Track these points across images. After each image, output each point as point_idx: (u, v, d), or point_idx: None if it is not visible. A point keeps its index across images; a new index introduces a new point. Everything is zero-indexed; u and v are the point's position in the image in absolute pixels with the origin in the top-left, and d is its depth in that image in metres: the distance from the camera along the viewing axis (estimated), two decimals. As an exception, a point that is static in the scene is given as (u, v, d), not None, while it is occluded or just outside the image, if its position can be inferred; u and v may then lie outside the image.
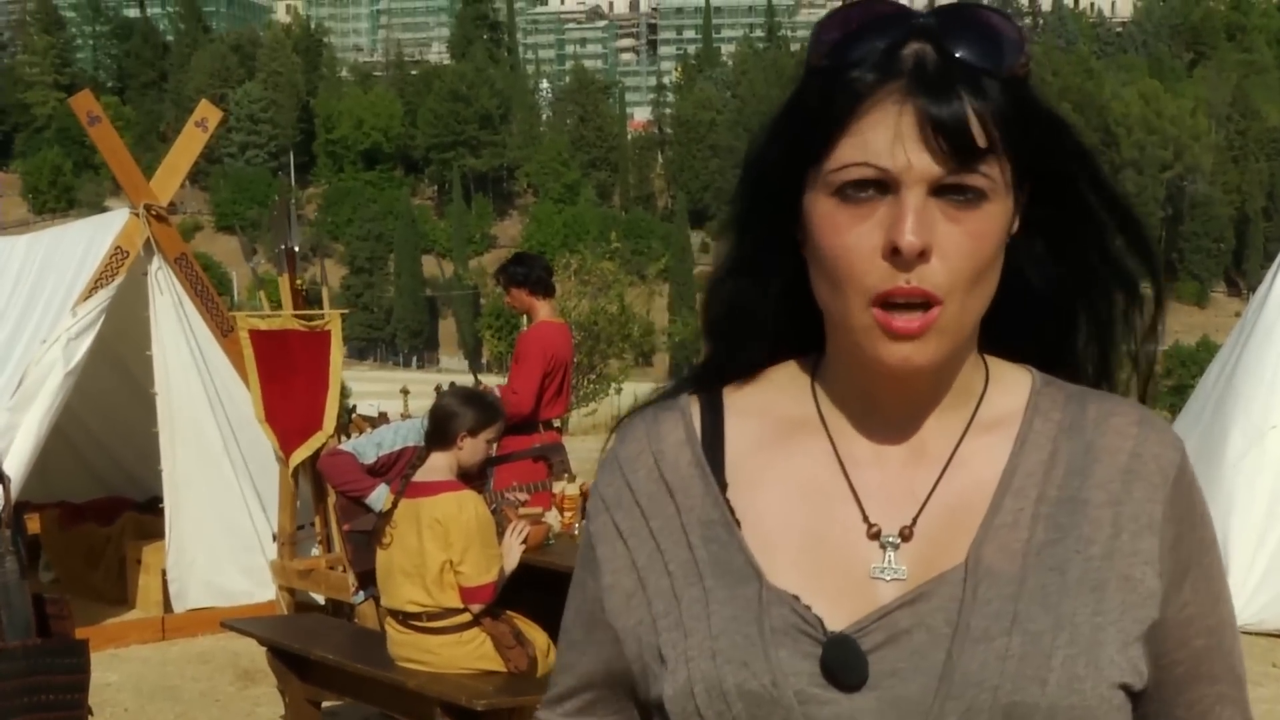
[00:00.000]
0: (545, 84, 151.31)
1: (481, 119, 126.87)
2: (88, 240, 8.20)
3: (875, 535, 1.10)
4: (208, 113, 8.49)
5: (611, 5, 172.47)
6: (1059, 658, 1.04)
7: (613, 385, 22.22)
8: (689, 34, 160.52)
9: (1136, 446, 1.12)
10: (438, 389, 8.19)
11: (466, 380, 7.79)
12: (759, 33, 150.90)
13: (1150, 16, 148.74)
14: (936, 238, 1.03)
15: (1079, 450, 1.12)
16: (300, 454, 7.43)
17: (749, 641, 1.06)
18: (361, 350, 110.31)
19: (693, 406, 1.20)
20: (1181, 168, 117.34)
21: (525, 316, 7.41)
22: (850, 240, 1.05)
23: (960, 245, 1.04)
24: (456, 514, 4.71)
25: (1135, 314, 1.19)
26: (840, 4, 1.11)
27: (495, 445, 5.26)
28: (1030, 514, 1.09)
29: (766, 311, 1.19)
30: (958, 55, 1.05)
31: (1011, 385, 1.17)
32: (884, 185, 1.04)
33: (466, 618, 4.78)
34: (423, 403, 8.43)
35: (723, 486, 1.15)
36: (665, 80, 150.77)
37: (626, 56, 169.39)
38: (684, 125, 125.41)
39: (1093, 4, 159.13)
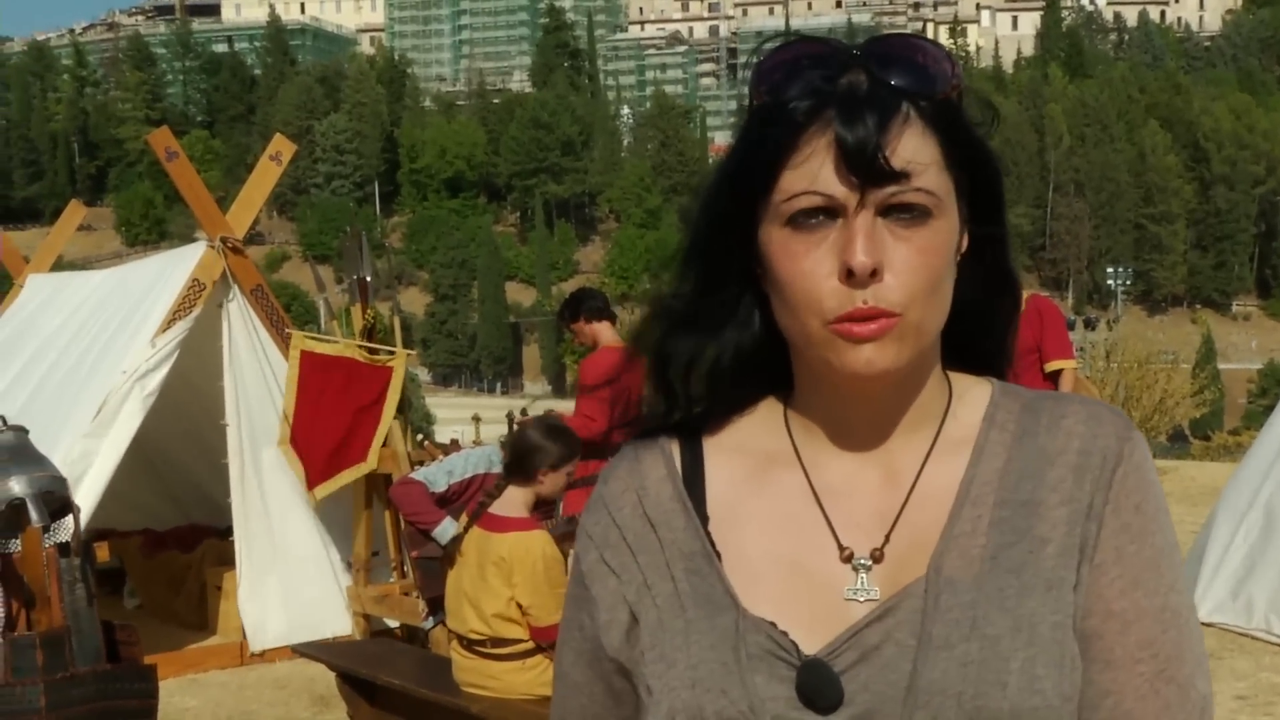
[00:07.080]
0: (626, 110, 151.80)
1: (563, 146, 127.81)
2: (165, 273, 8.34)
3: (848, 559, 1.12)
4: (281, 146, 8.65)
5: (691, 31, 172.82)
6: (1018, 660, 1.05)
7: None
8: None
9: (1084, 444, 1.13)
10: (508, 416, 8.26)
11: (556, 405, 7.78)
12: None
13: (1239, 30, 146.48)
14: (887, 256, 1.06)
15: (1032, 455, 1.14)
16: (329, 486, 7.46)
17: (726, 669, 1.08)
18: (446, 377, 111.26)
19: (672, 445, 1.23)
20: (1275, 183, 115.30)
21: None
22: (806, 266, 1.08)
23: (910, 261, 1.07)
24: (523, 555, 4.71)
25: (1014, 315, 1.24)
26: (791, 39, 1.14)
27: (573, 476, 5.24)
28: (988, 521, 1.11)
29: (730, 354, 1.19)
30: (891, 82, 1.09)
31: (972, 400, 1.18)
32: (832, 211, 1.07)
33: (530, 644, 4.80)
34: (495, 429, 8.50)
35: (704, 520, 1.17)
36: (746, 104, 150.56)
37: (707, 81, 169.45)
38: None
39: (1180, 19, 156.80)
